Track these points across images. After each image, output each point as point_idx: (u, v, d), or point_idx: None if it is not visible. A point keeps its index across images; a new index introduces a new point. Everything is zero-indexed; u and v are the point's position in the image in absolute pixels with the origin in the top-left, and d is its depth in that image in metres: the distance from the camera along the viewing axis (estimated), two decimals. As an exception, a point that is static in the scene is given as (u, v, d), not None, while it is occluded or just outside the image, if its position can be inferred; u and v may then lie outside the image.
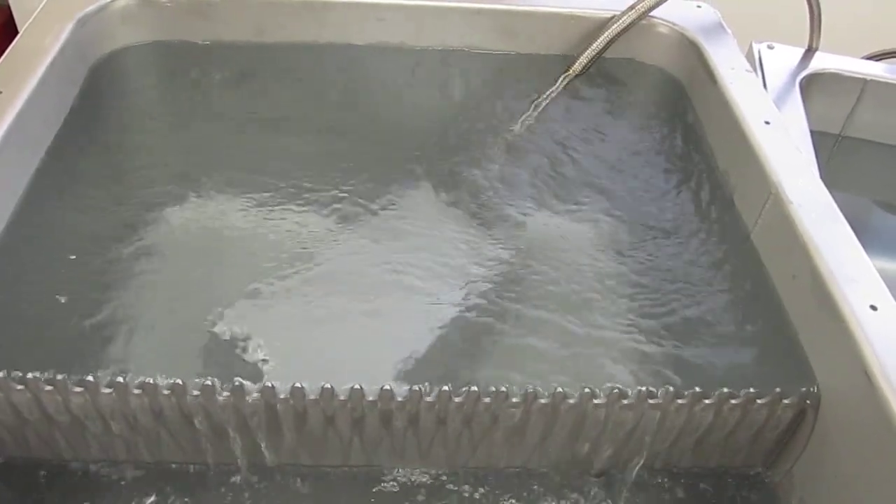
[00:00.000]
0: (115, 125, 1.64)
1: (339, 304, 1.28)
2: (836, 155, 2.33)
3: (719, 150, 1.62)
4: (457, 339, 1.25)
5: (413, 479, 1.30)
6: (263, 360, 1.17)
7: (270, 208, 1.47)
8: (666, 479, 1.33)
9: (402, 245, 1.41)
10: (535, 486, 1.31)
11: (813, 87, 2.16)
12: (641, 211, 1.53)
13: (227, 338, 1.21)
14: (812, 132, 1.89)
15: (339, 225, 1.45)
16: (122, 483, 1.26)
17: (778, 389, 1.21)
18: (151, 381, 1.13)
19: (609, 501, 1.30)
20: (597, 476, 1.32)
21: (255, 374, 1.16)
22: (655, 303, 1.34)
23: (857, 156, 2.30)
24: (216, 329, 1.22)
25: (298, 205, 1.48)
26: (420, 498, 1.28)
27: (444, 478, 1.31)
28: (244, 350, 1.19)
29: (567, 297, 1.34)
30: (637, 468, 1.30)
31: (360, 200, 1.50)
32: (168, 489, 1.26)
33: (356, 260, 1.38)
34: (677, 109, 1.79)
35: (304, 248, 1.39)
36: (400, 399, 1.16)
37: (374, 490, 1.28)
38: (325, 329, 1.25)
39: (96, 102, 1.67)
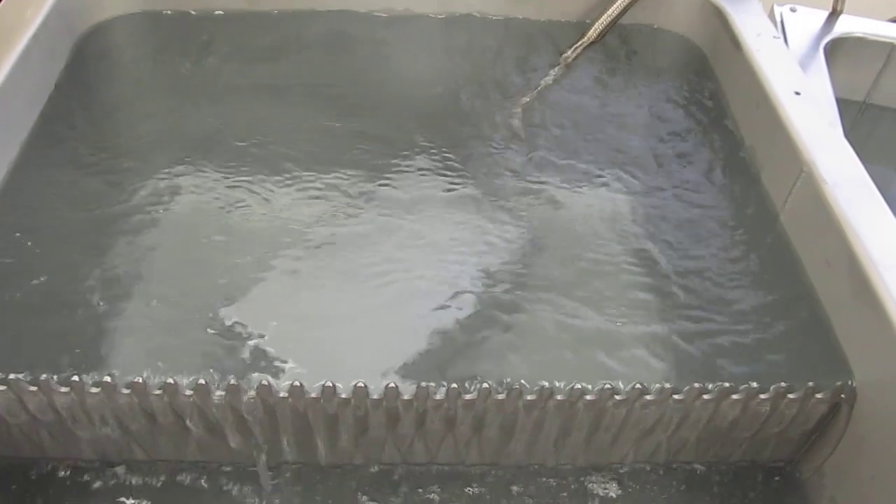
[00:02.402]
0: (104, 103, 1.55)
1: (346, 293, 1.20)
2: (860, 124, 2.23)
3: (745, 123, 1.52)
4: (465, 328, 1.17)
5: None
6: (265, 351, 1.11)
7: (271, 187, 1.39)
8: (689, 474, 1.26)
9: (414, 223, 1.33)
10: (551, 482, 1.24)
11: (837, 52, 2.05)
12: (659, 190, 1.44)
13: (227, 326, 1.14)
14: (836, 100, 1.79)
15: (346, 203, 1.36)
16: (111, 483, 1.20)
17: (811, 383, 1.13)
18: (147, 381, 1.06)
19: (630, 496, 1.23)
20: (615, 470, 1.25)
21: (257, 365, 1.09)
22: (677, 289, 1.26)
23: (882, 124, 2.20)
24: (215, 318, 1.15)
25: (300, 181, 1.40)
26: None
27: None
28: (245, 339, 1.13)
29: (581, 281, 1.25)
30: (659, 463, 1.23)
31: (367, 176, 1.42)
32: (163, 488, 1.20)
33: (363, 243, 1.30)
34: (699, 79, 1.69)
35: (308, 229, 1.31)
36: (406, 397, 1.09)
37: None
38: (330, 320, 1.17)
39: (83, 78, 1.58)
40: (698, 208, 1.41)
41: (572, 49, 1.75)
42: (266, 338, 1.13)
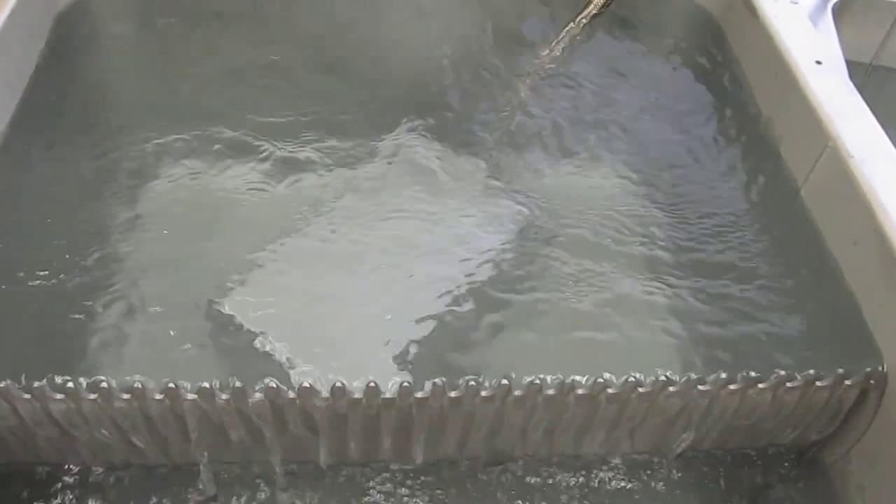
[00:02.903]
0: (88, 85, 1.46)
1: (340, 283, 1.14)
2: (866, 85, 2.16)
3: (761, 93, 1.46)
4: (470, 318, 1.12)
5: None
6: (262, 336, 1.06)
7: (263, 166, 1.32)
8: (713, 460, 1.22)
9: (412, 200, 1.27)
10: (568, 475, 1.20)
11: (845, 13, 1.97)
12: (672, 166, 1.38)
13: (221, 315, 1.09)
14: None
15: (339, 185, 1.30)
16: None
17: (840, 370, 1.08)
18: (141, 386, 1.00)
19: (656, 481, 1.19)
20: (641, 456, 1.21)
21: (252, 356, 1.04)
22: (694, 273, 1.20)
23: (890, 86, 2.14)
24: (208, 306, 1.10)
25: (291, 162, 1.32)
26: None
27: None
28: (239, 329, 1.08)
29: (594, 264, 1.20)
30: (682, 449, 1.19)
31: (361, 156, 1.35)
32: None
33: (358, 227, 1.24)
34: (711, 48, 1.61)
35: (300, 216, 1.24)
36: (420, 395, 1.04)
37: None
38: (325, 309, 1.12)
39: (65, 59, 1.49)
40: (713, 183, 1.35)
41: (577, 18, 1.67)
42: (263, 329, 1.08)
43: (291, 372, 1.04)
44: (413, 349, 1.07)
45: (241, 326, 1.09)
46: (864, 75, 2.15)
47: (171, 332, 1.07)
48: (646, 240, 1.26)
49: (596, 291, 1.17)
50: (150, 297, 1.11)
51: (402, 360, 1.06)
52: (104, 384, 1.00)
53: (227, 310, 1.10)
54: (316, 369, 1.04)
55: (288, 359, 1.06)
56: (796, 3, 1.49)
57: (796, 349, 1.11)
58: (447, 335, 1.10)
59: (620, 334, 1.12)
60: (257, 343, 1.08)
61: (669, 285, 1.19)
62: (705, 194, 1.34)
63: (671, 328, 1.13)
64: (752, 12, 1.50)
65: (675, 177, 1.37)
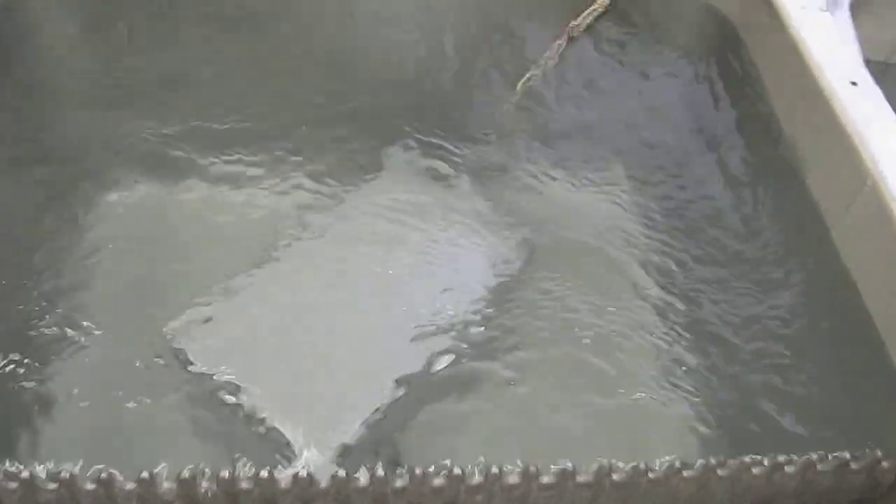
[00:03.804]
0: (32, 83, 1.31)
1: (314, 322, 1.03)
2: (881, 84, 2.02)
3: (785, 112, 1.30)
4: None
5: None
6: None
7: (231, 180, 1.21)
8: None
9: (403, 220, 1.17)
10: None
11: (861, 9, 1.82)
12: (676, 196, 1.26)
13: (179, 362, 1.00)
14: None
15: (316, 204, 1.19)
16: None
17: (878, 452, 0.95)
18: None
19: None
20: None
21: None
22: (709, 326, 1.07)
23: (907, 86, 1.99)
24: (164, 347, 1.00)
25: (265, 175, 1.22)
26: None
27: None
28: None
29: (595, 312, 1.09)
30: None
31: (340, 172, 1.24)
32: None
33: (337, 254, 1.14)
34: (727, 58, 1.45)
35: (272, 240, 1.14)
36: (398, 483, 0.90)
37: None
38: (296, 356, 1.02)
39: (3, 55, 1.32)
40: (725, 220, 1.21)
41: (581, 17, 1.51)
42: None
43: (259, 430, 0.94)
44: (386, 413, 0.98)
45: (203, 376, 0.99)
46: (880, 73, 2.01)
47: (119, 393, 0.96)
48: (651, 282, 1.13)
49: (600, 347, 1.03)
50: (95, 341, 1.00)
51: (374, 426, 0.97)
52: (25, 473, 0.85)
53: (190, 359, 1.00)
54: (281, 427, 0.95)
55: (248, 416, 0.93)
56: (826, 11, 1.33)
57: (828, 424, 0.98)
58: (425, 396, 1.00)
59: (626, 402, 0.98)
60: (222, 395, 0.98)
61: (679, 339, 1.06)
62: (717, 230, 1.21)
63: (683, 392, 0.99)
64: (776, 19, 1.34)
65: (682, 202, 1.25)
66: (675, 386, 1.02)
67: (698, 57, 1.46)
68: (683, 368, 1.05)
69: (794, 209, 1.21)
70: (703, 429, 0.97)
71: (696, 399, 1.02)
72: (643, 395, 1.02)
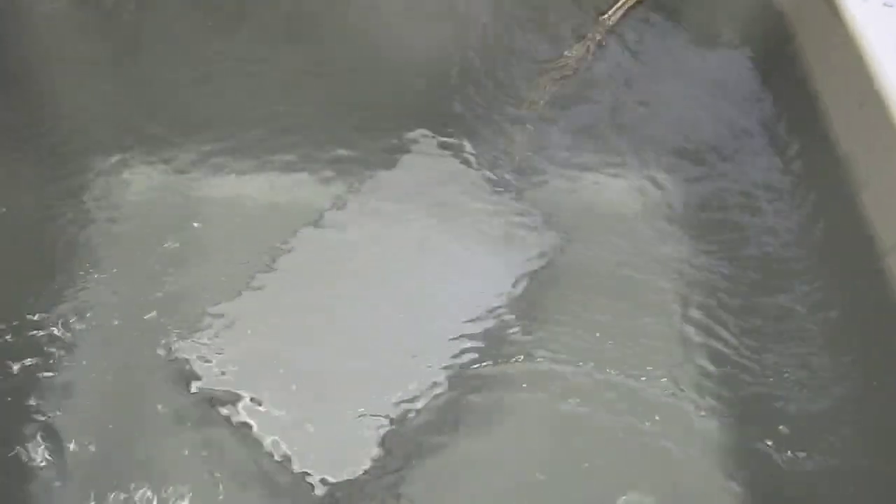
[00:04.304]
0: (20, 75, 1.23)
1: (319, 337, 0.98)
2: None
3: (841, 121, 1.16)
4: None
5: None
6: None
7: (243, 177, 1.15)
8: None
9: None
10: None
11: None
12: (715, 198, 1.15)
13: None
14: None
15: (331, 203, 1.11)
16: None
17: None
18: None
19: None
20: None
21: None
22: (747, 373, 0.96)
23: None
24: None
25: (271, 179, 1.15)
26: None
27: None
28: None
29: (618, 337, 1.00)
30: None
31: (356, 169, 1.16)
32: None
33: (353, 258, 1.06)
34: (775, 54, 1.31)
35: (277, 247, 1.06)
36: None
37: None
38: (301, 376, 0.96)
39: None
40: (770, 235, 1.10)
41: (614, 8, 1.38)
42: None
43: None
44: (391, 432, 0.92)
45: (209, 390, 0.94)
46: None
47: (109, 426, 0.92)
48: (686, 289, 1.05)
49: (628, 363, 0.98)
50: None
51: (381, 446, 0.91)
52: None
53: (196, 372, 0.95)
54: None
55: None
56: (890, 5, 1.18)
57: None
58: (434, 423, 0.94)
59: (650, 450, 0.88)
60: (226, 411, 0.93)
61: (717, 358, 0.98)
62: (759, 250, 1.09)
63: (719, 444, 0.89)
64: (834, 12, 1.19)
65: (719, 222, 1.14)
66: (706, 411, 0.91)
67: (744, 51, 1.33)
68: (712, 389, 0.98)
69: (844, 229, 1.08)
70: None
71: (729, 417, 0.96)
72: (672, 414, 0.96)
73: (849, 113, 1.14)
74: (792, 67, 1.28)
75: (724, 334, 1.03)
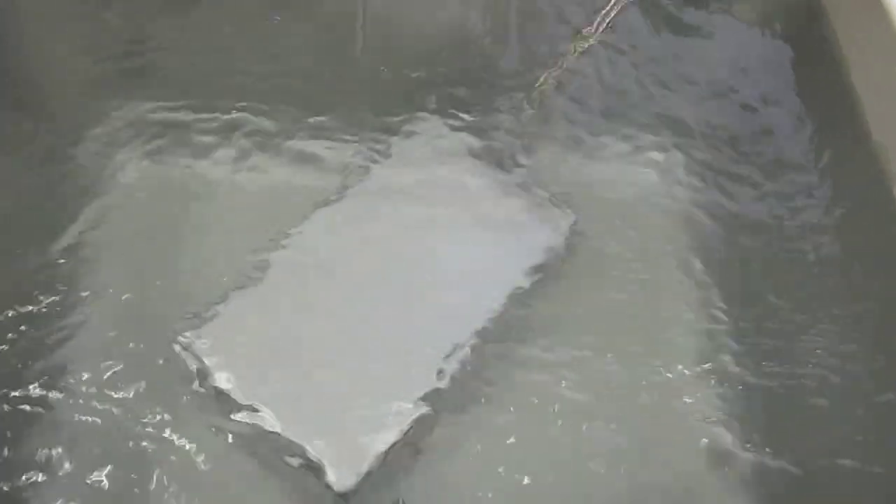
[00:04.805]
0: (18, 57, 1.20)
1: (325, 327, 0.95)
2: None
3: (873, 108, 1.11)
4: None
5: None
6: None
7: (245, 156, 1.12)
8: None
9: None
10: None
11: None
12: (734, 186, 1.11)
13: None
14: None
15: (332, 188, 1.09)
16: None
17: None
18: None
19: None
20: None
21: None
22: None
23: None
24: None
25: (275, 160, 1.12)
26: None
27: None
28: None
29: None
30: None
31: (362, 147, 1.13)
32: None
33: (350, 246, 1.03)
34: (806, 33, 1.26)
35: (282, 229, 1.03)
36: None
37: None
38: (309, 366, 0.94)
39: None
40: (796, 231, 1.07)
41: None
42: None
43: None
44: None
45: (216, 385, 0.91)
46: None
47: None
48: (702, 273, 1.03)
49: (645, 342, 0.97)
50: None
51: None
52: None
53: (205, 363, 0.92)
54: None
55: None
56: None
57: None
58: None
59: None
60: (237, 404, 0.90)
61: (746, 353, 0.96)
62: (782, 246, 1.07)
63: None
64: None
65: (740, 210, 1.10)
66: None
67: (768, 27, 1.28)
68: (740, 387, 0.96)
69: (878, 226, 1.04)
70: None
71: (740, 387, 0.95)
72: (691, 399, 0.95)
73: (885, 100, 1.09)
74: (822, 44, 1.24)
75: (743, 324, 1.01)
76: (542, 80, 1.22)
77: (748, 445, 0.92)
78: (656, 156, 1.16)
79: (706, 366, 0.98)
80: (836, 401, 0.94)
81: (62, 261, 1.02)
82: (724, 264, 1.06)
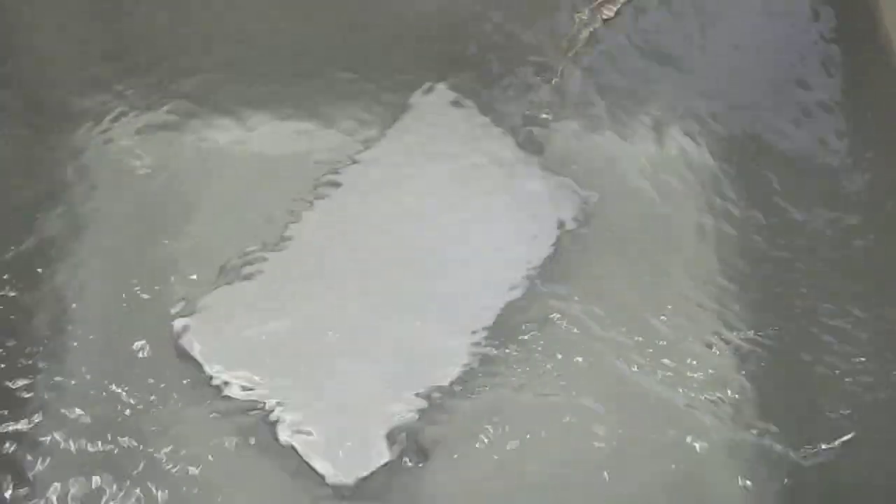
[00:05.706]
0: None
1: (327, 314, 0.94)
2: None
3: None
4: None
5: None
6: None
7: (243, 134, 1.10)
8: None
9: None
10: None
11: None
12: (759, 170, 1.07)
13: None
14: None
15: (339, 160, 1.06)
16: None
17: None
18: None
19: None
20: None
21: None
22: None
23: None
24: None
25: (272, 136, 1.10)
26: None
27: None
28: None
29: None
30: None
31: (366, 124, 1.11)
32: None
33: (351, 231, 1.00)
34: (847, 12, 1.17)
35: (280, 212, 1.02)
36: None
37: None
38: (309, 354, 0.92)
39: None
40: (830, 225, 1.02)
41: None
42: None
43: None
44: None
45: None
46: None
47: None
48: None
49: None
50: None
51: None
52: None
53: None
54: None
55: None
56: None
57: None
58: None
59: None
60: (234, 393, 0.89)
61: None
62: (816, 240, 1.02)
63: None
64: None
65: (760, 181, 1.07)
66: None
67: (806, 10, 1.20)
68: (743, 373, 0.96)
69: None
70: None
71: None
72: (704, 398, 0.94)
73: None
74: (865, 30, 1.16)
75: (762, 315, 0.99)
76: (563, 55, 1.18)
77: (754, 432, 0.91)
78: (678, 135, 1.13)
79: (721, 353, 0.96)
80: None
81: (48, 245, 1.00)
82: (748, 249, 1.03)
